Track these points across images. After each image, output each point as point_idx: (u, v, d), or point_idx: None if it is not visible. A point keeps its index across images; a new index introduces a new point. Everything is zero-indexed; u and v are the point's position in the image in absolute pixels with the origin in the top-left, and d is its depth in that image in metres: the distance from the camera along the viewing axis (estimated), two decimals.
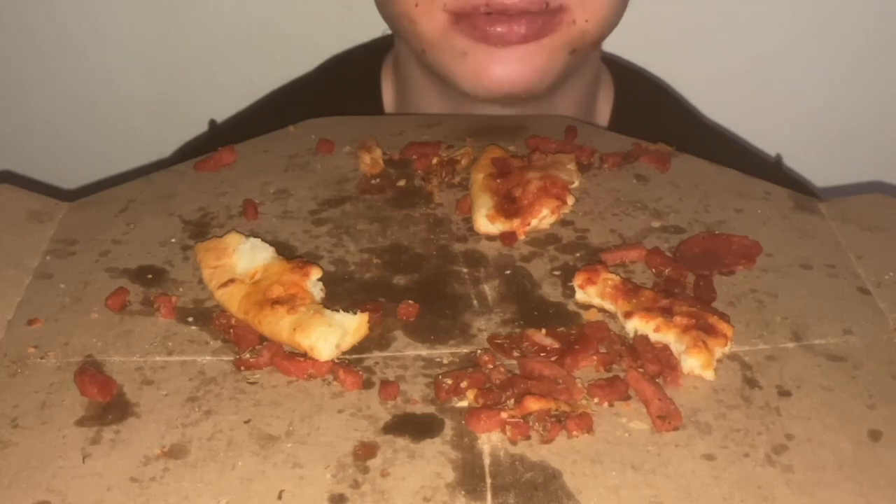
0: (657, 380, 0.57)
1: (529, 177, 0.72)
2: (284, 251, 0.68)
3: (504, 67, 0.80)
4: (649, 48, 1.12)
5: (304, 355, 0.59)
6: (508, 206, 0.71)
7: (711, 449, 0.53)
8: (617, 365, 0.59)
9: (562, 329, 0.61)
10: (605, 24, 0.83)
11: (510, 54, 0.80)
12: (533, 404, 0.54)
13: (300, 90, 1.09)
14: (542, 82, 0.82)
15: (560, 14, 0.80)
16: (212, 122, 1.14)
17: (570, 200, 0.72)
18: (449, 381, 0.56)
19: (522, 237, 0.70)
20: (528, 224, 0.70)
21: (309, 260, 0.66)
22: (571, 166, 0.74)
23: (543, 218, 0.71)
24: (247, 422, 0.55)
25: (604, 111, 0.99)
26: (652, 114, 1.01)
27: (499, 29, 0.79)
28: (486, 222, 0.70)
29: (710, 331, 0.59)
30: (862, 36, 1.21)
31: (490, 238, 0.70)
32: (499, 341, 0.60)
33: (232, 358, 0.59)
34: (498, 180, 0.72)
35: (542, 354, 0.59)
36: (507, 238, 0.70)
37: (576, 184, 0.74)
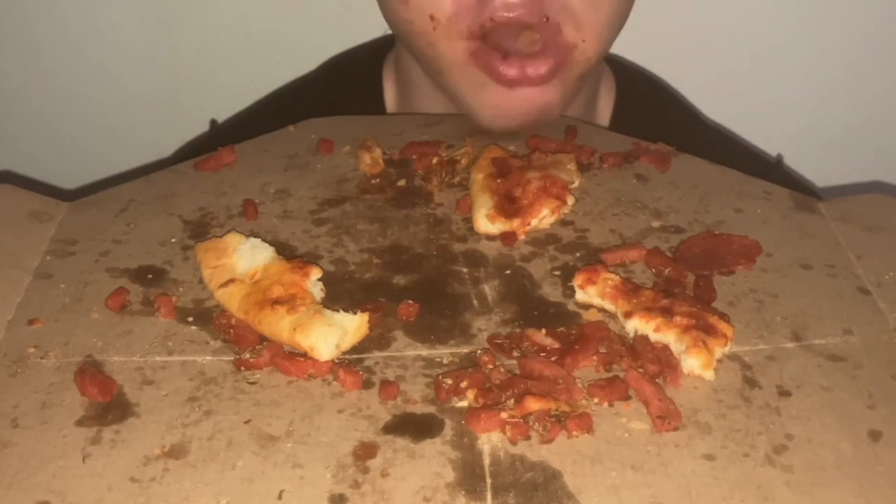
0: (657, 380, 0.57)
1: (529, 177, 0.72)
2: (284, 251, 0.68)
3: (520, 105, 0.80)
4: (650, 48, 1.12)
5: (305, 355, 0.59)
6: (508, 206, 0.71)
7: (711, 449, 0.53)
8: (617, 365, 0.59)
9: (562, 329, 0.61)
10: (602, 42, 0.83)
11: (525, 93, 0.80)
12: (533, 404, 0.54)
13: (301, 90, 1.09)
14: (556, 111, 0.83)
15: (559, 38, 0.79)
16: (213, 122, 1.14)
17: (570, 200, 0.72)
18: (449, 381, 0.56)
19: (522, 237, 0.70)
20: (528, 224, 0.70)
21: (309, 260, 0.66)
22: (571, 166, 0.74)
23: (543, 218, 0.71)
24: (247, 422, 0.55)
25: (605, 110, 0.99)
26: (653, 113, 1.01)
27: (512, 72, 0.79)
28: (486, 222, 0.70)
29: (710, 331, 0.59)
30: (862, 36, 1.21)
31: (490, 238, 0.70)
32: (499, 341, 0.60)
33: (232, 358, 0.59)
34: (498, 180, 0.72)
35: (542, 354, 0.59)
36: (507, 238, 0.70)
37: (576, 184, 0.74)
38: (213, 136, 1.11)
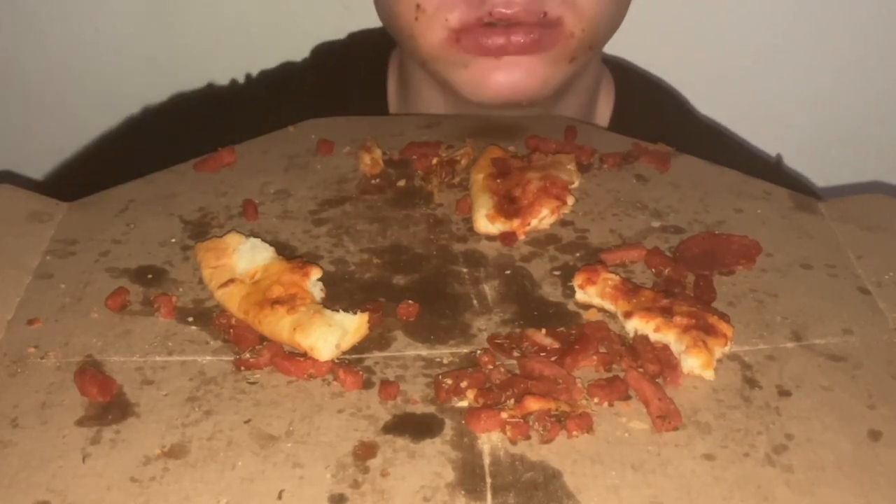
0: (657, 380, 0.57)
1: (529, 177, 0.72)
2: (284, 251, 0.68)
3: (505, 76, 0.82)
4: (649, 48, 1.12)
5: (304, 355, 0.59)
6: (508, 206, 0.71)
7: (711, 449, 0.53)
8: (617, 365, 0.59)
9: (562, 329, 0.61)
10: (600, 31, 0.84)
11: (511, 64, 0.81)
12: (533, 404, 0.54)
13: (305, 77, 1.09)
14: (544, 92, 0.83)
15: (558, 27, 0.80)
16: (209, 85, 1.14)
17: (570, 200, 0.72)
18: (449, 381, 0.56)
19: (522, 237, 0.70)
20: (528, 224, 0.70)
21: (309, 260, 0.66)
22: (571, 166, 0.74)
23: (543, 218, 0.71)
24: (247, 422, 0.55)
25: (604, 112, 0.99)
26: (652, 114, 1.02)
27: (499, 41, 0.80)
28: (486, 222, 0.70)
29: (710, 331, 0.59)
30: (862, 36, 1.21)
31: (490, 238, 0.70)
32: (499, 341, 0.60)
33: (232, 358, 0.59)
34: (498, 180, 0.72)
35: (542, 354, 0.59)
36: (507, 238, 0.70)
37: (576, 184, 0.74)
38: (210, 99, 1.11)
